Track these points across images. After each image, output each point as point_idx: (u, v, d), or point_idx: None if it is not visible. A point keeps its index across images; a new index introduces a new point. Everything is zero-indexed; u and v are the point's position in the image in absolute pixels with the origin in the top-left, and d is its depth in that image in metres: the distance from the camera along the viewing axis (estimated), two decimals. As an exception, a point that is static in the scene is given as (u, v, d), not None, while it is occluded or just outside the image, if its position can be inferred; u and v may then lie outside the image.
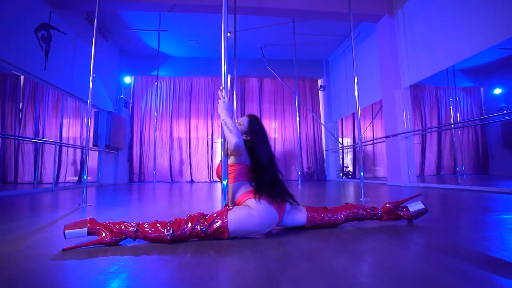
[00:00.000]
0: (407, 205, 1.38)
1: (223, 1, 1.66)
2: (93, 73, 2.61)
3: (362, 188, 2.54)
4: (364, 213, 1.34)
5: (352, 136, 8.10)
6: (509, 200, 2.31)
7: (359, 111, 2.91)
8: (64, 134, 7.22)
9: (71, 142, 7.20)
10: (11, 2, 3.46)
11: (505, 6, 2.98)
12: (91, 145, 5.82)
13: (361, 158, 2.76)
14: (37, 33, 3.90)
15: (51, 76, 4.17)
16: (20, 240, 1.17)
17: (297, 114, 5.09)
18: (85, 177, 2.39)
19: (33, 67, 3.82)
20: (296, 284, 0.67)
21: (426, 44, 4.08)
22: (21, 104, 7.14)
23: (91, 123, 5.40)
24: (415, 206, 1.37)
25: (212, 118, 7.75)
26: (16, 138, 6.73)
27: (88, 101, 2.58)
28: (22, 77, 7.03)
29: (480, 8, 3.26)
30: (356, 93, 2.98)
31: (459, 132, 7.57)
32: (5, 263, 0.87)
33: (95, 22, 2.58)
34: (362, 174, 2.69)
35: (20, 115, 7.10)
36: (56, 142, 4.78)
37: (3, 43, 3.33)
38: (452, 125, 6.64)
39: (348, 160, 8.11)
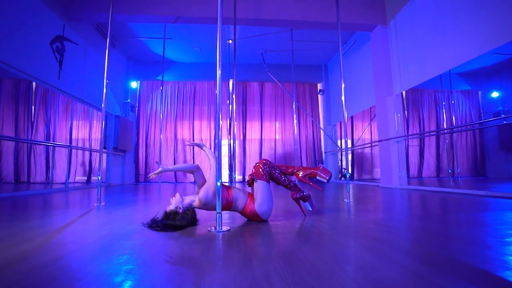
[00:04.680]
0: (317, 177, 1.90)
1: (218, 13, 1.87)
2: (107, 79, 2.90)
3: (348, 190, 2.80)
4: (283, 177, 1.83)
5: (351, 138, 8.32)
6: (493, 204, 2.54)
7: (346, 117, 3.17)
8: (73, 136, 7.58)
9: (80, 144, 7.55)
10: (29, 18, 3.78)
11: (491, 15, 3.10)
12: (97, 146, 6.16)
13: (347, 161, 3.03)
14: (52, 45, 4.22)
15: (64, 84, 4.49)
16: (50, 234, 1.45)
17: (295, 117, 5.36)
18: (99, 178, 2.68)
19: (49, 76, 4.15)
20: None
21: (416, 53, 4.31)
22: (33, 108, 7.51)
23: (104, 127, 5.72)
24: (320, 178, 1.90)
25: (214, 121, 8.04)
26: (31, 142, 7.11)
27: (102, 105, 2.88)
28: (34, 82, 7.40)
29: (467, 17, 3.42)
30: (343, 98, 3.25)
31: (454, 136, 7.74)
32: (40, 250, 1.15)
33: (108, 38, 2.88)
34: (348, 176, 2.94)
35: (32, 118, 7.48)
36: (69, 146, 5.10)
37: (23, 56, 3.65)
38: (445, 130, 6.83)
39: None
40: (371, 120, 7.98)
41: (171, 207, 1.58)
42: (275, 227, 1.58)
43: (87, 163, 7.58)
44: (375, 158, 8.45)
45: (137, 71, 7.61)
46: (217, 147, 1.66)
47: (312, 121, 8.12)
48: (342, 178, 7.97)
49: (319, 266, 0.90)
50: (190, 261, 0.98)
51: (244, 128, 8.16)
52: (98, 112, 6.53)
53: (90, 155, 7.51)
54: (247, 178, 1.77)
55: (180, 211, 1.55)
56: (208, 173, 1.67)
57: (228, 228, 1.51)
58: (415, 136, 8.35)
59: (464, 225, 1.61)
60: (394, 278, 0.80)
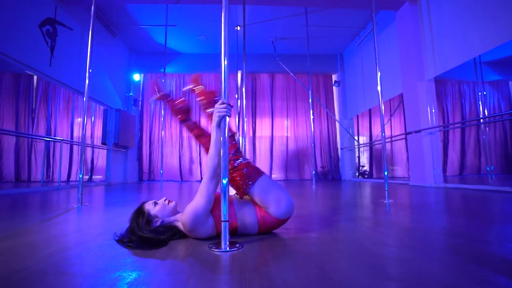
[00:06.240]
0: None
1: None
2: (89, 69, 2.48)
3: (386, 189, 2.25)
4: None
5: (368, 133, 7.69)
6: None
7: (382, 107, 2.60)
8: (75, 133, 7.24)
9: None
10: (14, -4, 3.37)
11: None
12: (99, 143, 5.76)
13: (384, 156, 2.45)
14: (42, 28, 3.81)
15: (57, 72, 4.08)
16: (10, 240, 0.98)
17: (311, 112, 4.79)
18: (80, 176, 2.22)
19: (38, 63, 3.73)
20: None
21: (455, 31, 3.69)
22: (34, 103, 7.20)
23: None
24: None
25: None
26: (21, 135, 6.79)
27: (84, 98, 2.42)
28: (35, 77, 7.08)
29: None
30: (379, 88, 2.68)
31: (487, 128, 7.02)
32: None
33: (92, 8, 2.42)
34: (386, 173, 2.39)
35: (33, 114, 7.16)
36: (62, 140, 4.71)
37: (6, 38, 3.24)
38: (481, 120, 6.13)
39: (364, 159, 7.72)
40: (391, 115, 7.33)
41: (151, 209, 1.09)
42: (310, 242, 1.06)
43: (89, 161, 7.22)
44: (396, 154, 7.80)
45: (139, 63, 7.19)
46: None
47: (328, 114, 7.54)
48: (360, 177, 7.36)
49: None
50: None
51: (254, 123, 7.64)
52: (100, 106, 6.13)
53: (92, 152, 7.15)
54: (234, 194, 1.11)
55: (157, 224, 1.07)
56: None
57: (238, 245, 1.00)
58: (460, 125, 7.61)
59: None
60: None
